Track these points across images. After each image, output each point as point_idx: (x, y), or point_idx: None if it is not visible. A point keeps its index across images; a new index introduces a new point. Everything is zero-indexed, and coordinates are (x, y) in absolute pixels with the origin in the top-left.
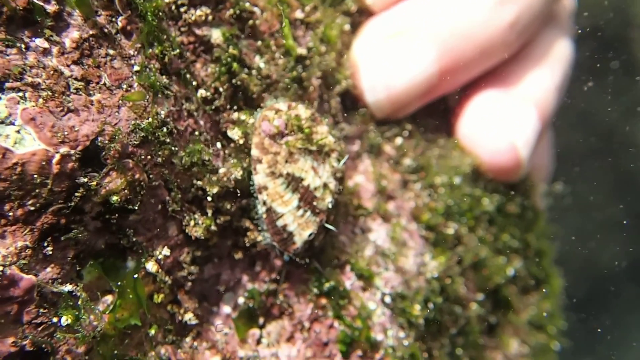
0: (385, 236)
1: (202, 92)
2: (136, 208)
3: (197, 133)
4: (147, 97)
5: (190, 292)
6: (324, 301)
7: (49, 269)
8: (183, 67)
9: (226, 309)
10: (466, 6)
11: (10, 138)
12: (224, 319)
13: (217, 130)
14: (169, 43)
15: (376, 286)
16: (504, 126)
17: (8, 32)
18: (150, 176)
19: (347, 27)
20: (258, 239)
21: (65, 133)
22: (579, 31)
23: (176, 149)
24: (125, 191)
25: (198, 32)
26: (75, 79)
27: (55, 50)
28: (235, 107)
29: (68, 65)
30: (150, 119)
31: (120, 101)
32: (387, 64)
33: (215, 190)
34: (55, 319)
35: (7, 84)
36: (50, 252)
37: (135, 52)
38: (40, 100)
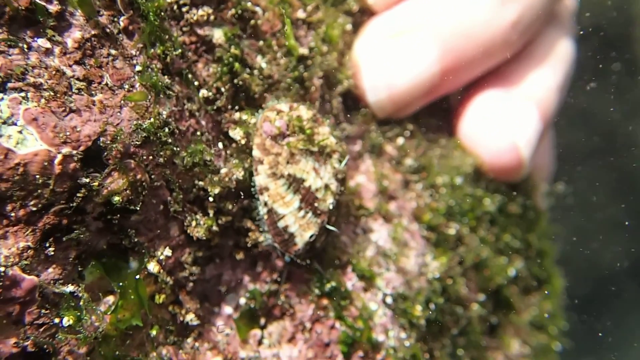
0: (386, 236)
1: (203, 92)
2: (138, 208)
3: (198, 133)
4: (149, 97)
5: (191, 292)
6: (325, 302)
7: (50, 270)
8: (185, 67)
9: (227, 309)
10: (468, 5)
11: (12, 138)
12: (225, 320)
13: (218, 130)
14: (170, 43)
15: (377, 287)
16: (505, 126)
17: (10, 32)
18: (152, 176)
19: (348, 26)
20: (260, 240)
21: (67, 133)
22: (581, 32)
23: (178, 149)
24: (127, 191)
25: (200, 32)
26: (78, 79)
27: (57, 50)
28: (237, 107)
29: (70, 66)
30: (152, 119)
31: (122, 101)
32: (388, 63)
33: (216, 190)
34: (57, 320)
35: (10, 84)
36: (52, 253)
37: (137, 52)
38: (43, 100)
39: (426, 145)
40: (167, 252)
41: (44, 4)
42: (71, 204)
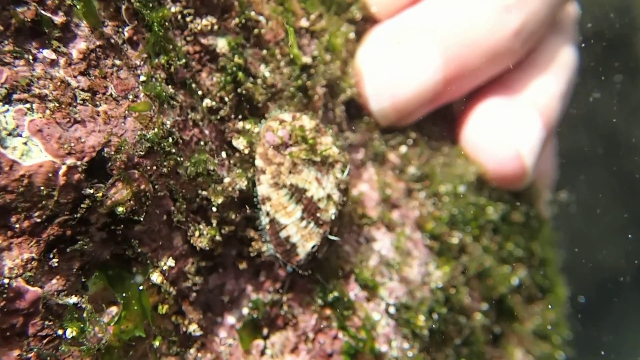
0: (389, 245)
1: (207, 102)
2: (141, 219)
3: (202, 143)
4: (153, 107)
5: (194, 302)
6: (328, 312)
7: (54, 281)
8: (189, 77)
9: (230, 319)
10: (471, 14)
11: (17, 150)
12: (228, 330)
13: (222, 139)
14: (174, 53)
15: (380, 296)
16: (508, 134)
17: (16, 43)
18: (156, 186)
19: (352, 35)
20: (262, 249)
21: (72, 144)
22: (583, 45)
23: (181, 159)
24: (131, 202)
25: (204, 41)
26: (82, 89)
27: (62, 61)
28: (240, 116)
29: (75, 76)
30: (156, 130)
31: (126, 112)
32: (391, 71)
33: (220, 200)
34: (60, 331)
35: (15, 96)
36: (56, 264)
37: (142, 62)
38: (48, 111)
39: (429, 153)
40: (171, 262)
41: (49, 15)
42: (75, 215)
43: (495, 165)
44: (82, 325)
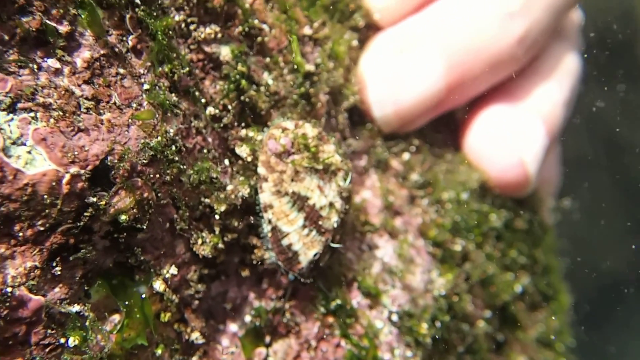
0: (392, 253)
1: (210, 110)
2: (144, 227)
3: (205, 150)
4: (157, 115)
5: (197, 310)
6: (330, 319)
7: (57, 289)
8: (192, 85)
9: (233, 327)
10: (474, 21)
11: (21, 159)
12: (230, 338)
13: (225, 147)
14: (178, 61)
15: (383, 304)
16: (511, 141)
17: (21, 52)
18: (159, 194)
19: (355, 42)
20: (265, 257)
21: (76, 153)
22: (585, 55)
23: (184, 167)
24: (134, 210)
25: (207, 49)
26: (86, 98)
27: (66, 70)
28: (243, 124)
29: (79, 85)
30: (159, 138)
31: (130, 120)
32: (394, 78)
33: (223, 208)
34: (62, 340)
35: (19, 105)
36: (59, 272)
37: (145, 71)
38: (52, 120)
39: (432, 160)
40: (173, 270)
41: (54, 25)
42: (78, 223)
43: (498, 172)
44: (84, 334)
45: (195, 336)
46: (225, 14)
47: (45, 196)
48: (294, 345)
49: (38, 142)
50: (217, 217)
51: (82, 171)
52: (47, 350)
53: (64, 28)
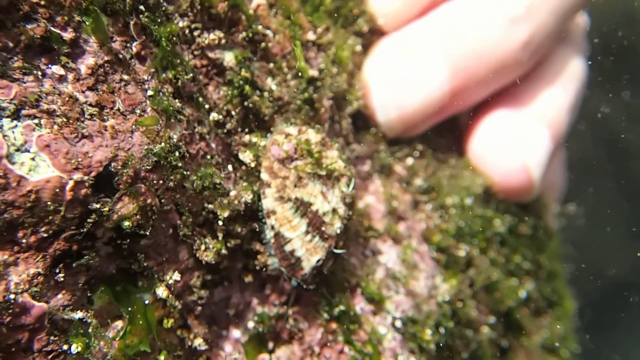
0: (395, 258)
1: (214, 115)
2: (147, 233)
3: (208, 156)
4: (160, 121)
5: (200, 316)
6: (334, 326)
7: (60, 296)
8: (196, 91)
9: (236, 333)
10: (479, 25)
11: (25, 165)
12: (233, 344)
13: (228, 152)
14: (182, 67)
15: (387, 310)
16: (515, 146)
17: (25, 59)
18: (162, 200)
19: (358, 47)
20: (268, 263)
21: (79, 159)
22: (589, 63)
23: (188, 172)
24: (137, 216)
25: (211, 55)
26: (90, 104)
27: (70, 76)
28: (247, 130)
29: (83, 92)
30: (162, 144)
31: (133, 126)
32: (398, 83)
33: (226, 214)
34: (65, 347)
35: (24, 111)
36: (62, 279)
37: (149, 77)
38: (55, 126)
39: (436, 165)
40: (176, 276)
41: (58, 31)
42: (81, 230)
43: (502, 177)
44: (87, 341)
45: (198, 342)
46: (229, 19)
47: (49, 203)
48: (297, 352)
49: (42, 148)
50: (220, 223)
51: (86, 177)
52: (49, 357)
53: (68, 35)
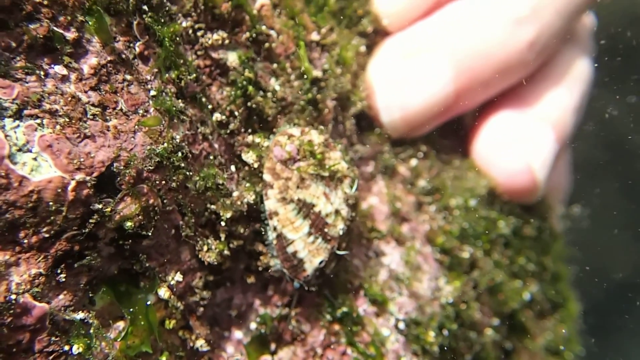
0: (399, 260)
1: (217, 116)
2: (150, 233)
3: (211, 157)
4: (163, 121)
5: (202, 317)
6: (336, 327)
7: (61, 296)
8: (199, 91)
9: (238, 334)
10: (484, 25)
11: (27, 165)
12: (235, 345)
13: (231, 153)
14: (185, 67)
15: (390, 312)
16: (520, 147)
17: (28, 59)
18: (165, 201)
19: (362, 48)
20: (270, 264)
21: (81, 159)
22: (596, 65)
23: (190, 173)
24: (139, 217)
25: (214, 55)
26: (93, 104)
27: (73, 76)
28: (250, 130)
29: (86, 92)
30: (165, 144)
31: (136, 126)
32: (402, 83)
33: (228, 214)
34: (66, 347)
35: (26, 111)
36: (64, 279)
37: (152, 77)
38: (58, 126)
39: (440, 166)
40: (178, 277)
41: (61, 31)
42: (83, 230)
43: (506, 178)
44: (88, 341)
45: (200, 343)
46: (232, 20)
47: (51, 203)
48: (300, 353)
49: (44, 148)
50: (222, 223)
51: (88, 178)
52: (51, 357)
53: (71, 35)
